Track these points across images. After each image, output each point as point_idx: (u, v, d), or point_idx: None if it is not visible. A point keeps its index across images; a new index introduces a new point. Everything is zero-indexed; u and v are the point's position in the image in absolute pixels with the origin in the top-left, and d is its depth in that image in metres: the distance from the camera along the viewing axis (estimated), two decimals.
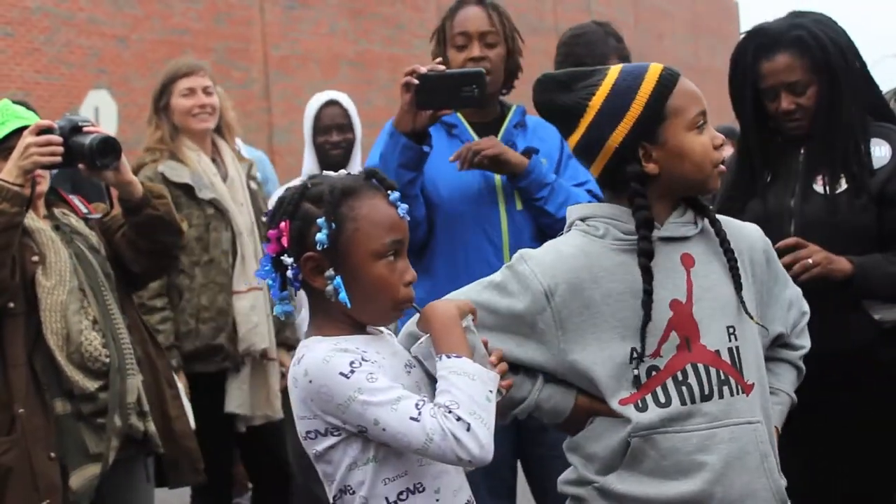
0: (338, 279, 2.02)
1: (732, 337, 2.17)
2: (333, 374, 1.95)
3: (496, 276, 2.23)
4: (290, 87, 14.88)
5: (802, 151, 3.02)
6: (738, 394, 2.15)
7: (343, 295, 2.01)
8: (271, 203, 4.38)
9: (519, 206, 3.11)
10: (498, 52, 3.16)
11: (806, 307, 2.40)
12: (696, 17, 30.35)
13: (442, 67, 2.94)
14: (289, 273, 2.04)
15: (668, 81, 2.17)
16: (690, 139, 2.15)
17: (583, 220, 2.23)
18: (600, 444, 2.18)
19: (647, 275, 2.12)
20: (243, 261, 3.92)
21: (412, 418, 1.92)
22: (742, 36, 3.08)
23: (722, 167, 2.18)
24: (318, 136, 4.25)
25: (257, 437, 4.05)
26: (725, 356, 2.15)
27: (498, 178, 3.13)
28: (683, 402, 2.12)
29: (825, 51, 2.95)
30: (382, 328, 2.15)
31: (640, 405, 2.13)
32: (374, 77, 16.93)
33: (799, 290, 2.41)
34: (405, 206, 2.09)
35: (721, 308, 2.17)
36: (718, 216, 2.26)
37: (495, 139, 3.10)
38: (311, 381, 1.97)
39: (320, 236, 2.00)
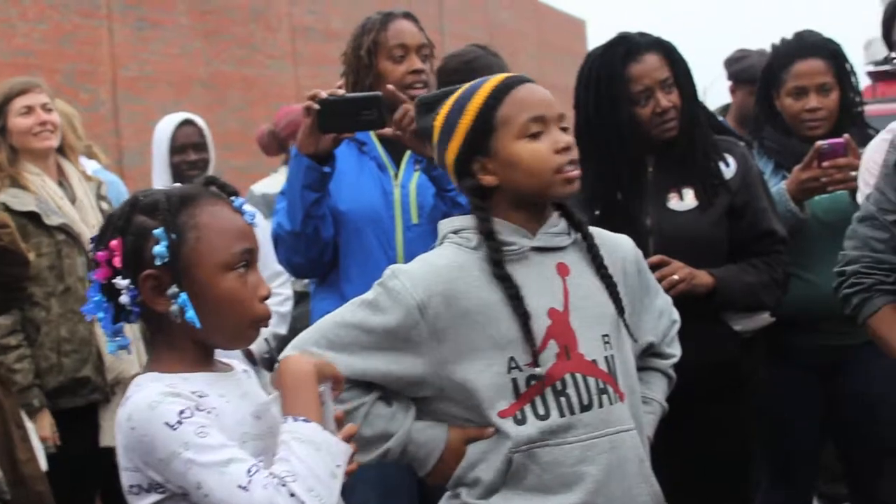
0: (183, 296, 1.81)
1: (608, 346, 2.17)
2: (158, 424, 1.72)
3: (369, 294, 2.16)
4: (140, 108, 14.54)
5: (651, 170, 3.03)
6: (615, 402, 2.15)
7: (190, 314, 1.80)
8: None
9: (415, 220, 3.10)
10: (430, 66, 3.20)
11: (676, 316, 2.41)
12: (544, 34, 30.88)
13: (341, 91, 2.96)
14: (124, 298, 1.81)
15: (498, 93, 2.16)
16: (520, 147, 2.13)
17: (455, 232, 2.21)
18: (482, 468, 2.14)
19: (507, 283, 2.11)
20: None
21: (240, 486, 1.70)
22: (601, 46, 3.08)
23: (572, 172, 2.13)
24: (173, 156, 4.13)
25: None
26: (602, 365, 2.15)
27: (397, 192, 3.11)
28: (562, 415, 2.11)
29: (684, 60, 3.04)
30: (235, 363, 1.95)
31: (520, 417, 2.11)
32: (226, 98, 16.68)
33: (669, 300, 2.42)
34: (252, 211, 1.92)
35: (597, 317, 2.18)
36: (592, 228, 2.27)
37: None
38: (133, 429, 1.75)
39: (159, 249, 1.80)
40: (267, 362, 4.43)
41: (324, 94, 2.91)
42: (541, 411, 2.11)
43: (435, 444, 2.17)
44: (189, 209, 1.84)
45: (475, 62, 3.72)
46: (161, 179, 4.19)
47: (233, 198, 1.91)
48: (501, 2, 28.64)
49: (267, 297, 1.89)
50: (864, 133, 3.30)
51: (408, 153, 3.13)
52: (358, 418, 2.12)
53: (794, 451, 3.34)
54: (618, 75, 3.00)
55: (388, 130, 2.96)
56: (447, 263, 2.15)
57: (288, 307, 4.34)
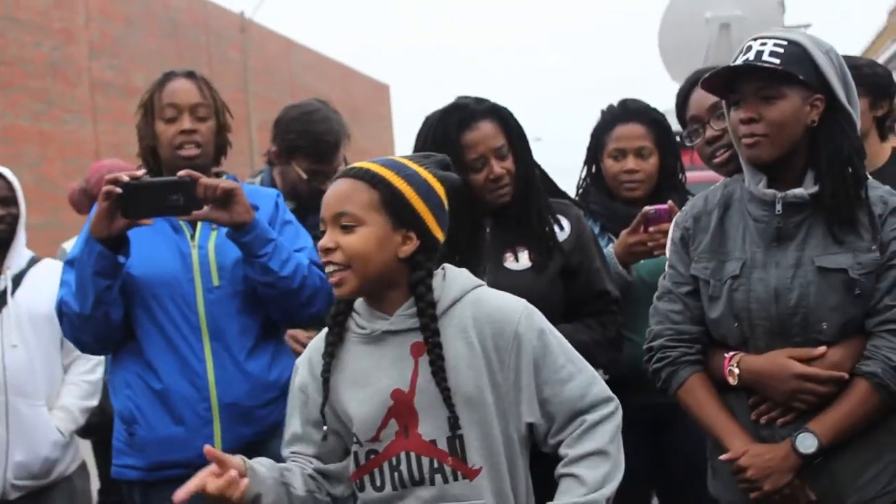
0: None
1: (454, 427, 2.23)
2: None
3: None
4: None
5: (489, 230, 3.08)
6: (454, 480, 2.23)
7: None
8: None
9: (216, 282, 3.02)
10: (209, 125, 3.11)
11: (594, 415, 2.30)
12: (350, 97, 31.11)
13: (141, 174, 2.89)
14: None
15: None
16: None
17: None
18: None
19: (326, 362, 2.29)
20: None
21: None
22: (438, 114, 3.11)
23: (331, 277, 2.25)
24: None
25: None
26: (443, 445, 2.23)
27: (195, 254, 3.04)
28: (395, 488, 2.25)
29: (517, 124, 3.07)
30: None
31: (359, 485, 2.30)
32: (21, 153, 16.10)
33: (584, 390, 2.31)
34: None
35: (449, 394, 2.23)
36: (484, 292, 2.34)
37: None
38: None
39: None
40: (82, 432, 4.24)
41: (125, 178, 2.80)
42: (378, 482, 2.28)
43: None
44: None
45: (315, 114, 3.76)
46: None
47: None
48: (305, 64, 28.75)
49: None
50: (684, 199, 3.43)
51: None
52: None
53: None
54: (452, 142, 3.04)
55: (198, 213, 2.88)
56: (316, 349, 2.36)
57: (99, 373, 4.15)
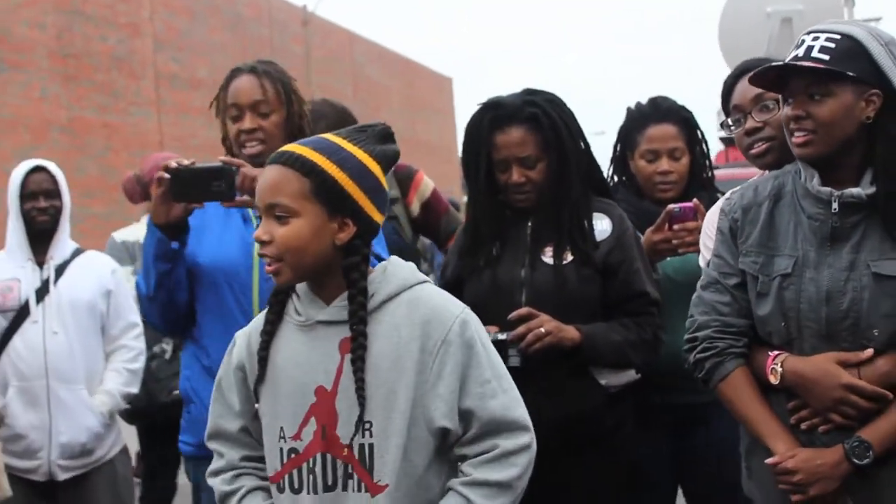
0: None
1: (367, 433, 2.13)
2: None
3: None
4: None
5: (530, 224, 3.10)
6: (357, 492, 2.13)
7: None
8: None
9: None
10: (273, 120, 3.12)
11: (511, 442, 2.15)
12: (412, 90, 31.19)
13: (188, 162, 2.97)
14: None
15: None
16: None
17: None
18: None
19: (264, 340, 2.22)
20: None
21: None
22: (478, 107, 3.15)
23: (267, 267, 2.19)
24: (24, 203, 4.04)
25: None
26: (356, 451, 2.13)
27: (257, 245, 3.08)
28: (309, 492, 2.16)
29: (557, 130, 3.06)
30: None
31: (281, 486, 2.20)
32: (86, 144, 16.37)
33: (507, 411, 2.17)
34: None
35: (368, 400, 2.12)
36: (425, 290, 2.22)
37: None
38: None
39: None
40: (128, 416, 4.35)
41: (174, 165, 2.94)
42: (296, 484, 2.18)
43: None
44: None
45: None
46: (14, 226, 4.08)
47: None
48: (368, 56, 28.87)
49: None
50: (713, 197, 3.41)
51: None
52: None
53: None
54: (482, 139, 3.09)
55: (238, 200, 2.97)
56: (256, 327, 2.29)
57: (140, 363, 4.26)
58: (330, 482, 2.14)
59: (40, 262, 4.06)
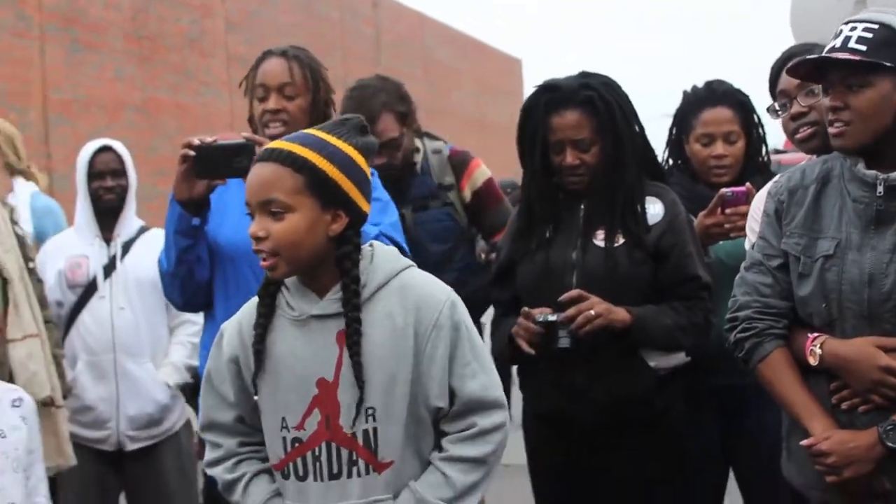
0: None
1: (371, 418, 2.22)
2: None
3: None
4: (71, 132, 14.40)
5: (583, 206, 3.12)
6: (366, 474, 2.23)
7: None
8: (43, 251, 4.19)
9: None
10: (297, 103, 3.18)
11: (487, 421, 2.27)
12: (481, 72, 31.13)
13: (211, 139, 3.01)
14: None
15: None
16: None
17: None
18: None
19: (258, 333, 2.27)
20: (17, 308, 3.76)
21: None
22: (534, 89, 3.17)
23: (262, 262, 2.24)
24: (92, 182, 4.16)
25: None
26: (360, 438, 2.23)
27: None
28: (315, 479, 2.25)
29: (612, 114, 3.08)
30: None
31: (286, 472, 2.28)
32: (159, 124, 16.59)
33: (484, 392, 2.27)
34: None
35: (368, 388, 2.21)
36: (412, 276, 2.31)
37: None
38: None
39: None
40: (187, 390, 4.44)
41: (196, 142, 2.98)
42: (300, 472, 2.26)
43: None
44: None
45: (354, 91, 3.95)
46: (82, 204, 4.20)
47: None
48: (438, 38, 28.85)
49: None
50: (768, 181, 3.41)
51: None
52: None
53: (699, 488, 3.41)
54: (537, 121, 3.11)
55: None
56: (245, 320, 2.34)
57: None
58: (335, 470, 2.23)
59: (108, 240, 4.17)
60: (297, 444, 2.25)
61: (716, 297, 3.15)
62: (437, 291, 2.28)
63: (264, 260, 2.21)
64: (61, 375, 3.87)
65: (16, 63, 13.89)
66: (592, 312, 2.94)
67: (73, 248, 4.16)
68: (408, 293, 2.26)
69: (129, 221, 4.22)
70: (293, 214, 2.19)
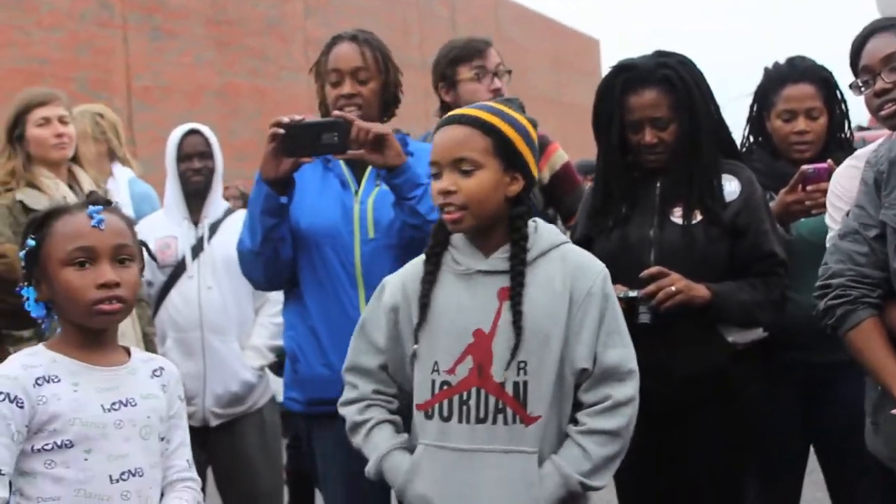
0: (26, 289, 2.25)
1: (522, 371, 2.38)
2: None
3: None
4: (153, 117, 14.66)
5: (659, 184, 3.14)
6: (512, 423, 2.38)
7: (31, 304, 2.24)
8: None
9: (371, 235, 3.17)
10: (371, 87, 3.24)
11: (619, 392, 2.43)
12: (558, 52, 30.95)
13: (301, 117, 3.06)
14: (26, 300, 2.27)
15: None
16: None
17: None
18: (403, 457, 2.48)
19: (426, 288, 2.45)
20: None
21: None
22: (610, 69, 3.20)
23: (446, 215, 2.42)
24: (180, 164, 4.27)
25: None
26: (509, 388, 2.38)
27: (356, 208, 3.19)
28: (460, 421, 2.40)
29: (689, 92, 3.10)
30: (140, 361, 2.29)
31: (429, 413, 2.43)
32: (239, 108, 16.80)
33: (622, 362, 2.45)
34: (101, 216, 2.24)
35: (524, 342, 2.38)
36: (570, 248, 2.49)
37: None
38: None
39: (21, 254, 2.25)
40: (274, 368, 4.53)
41: (286, 120, 3.02)
42: (445, 413, 2.42)
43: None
44: (53, 221, 2.24)
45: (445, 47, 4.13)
46: (171, 187, 4.31)
47: (90, 206, 2.25)
48: (513, 18, 28.74)
49: (109, 283, 2.20)
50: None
51: (369, 169, 3.22)
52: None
53: (779, 464, 3.42)
54: (615, 101, 3.14)
55: (353, 152, 3.05)
56: (411, 275, 2.52)
57: None
58: (482, 415, 2.38)
59: (195, 221, 4.27)
60: (445, 387, 2.41)
61: (797, 274, 3.15)
62: (593, 263, 2.49)
63: (451, 213, 2.40)
64: (152, 352, 3.98)
65: (99, 52, 14.18)
66: (673, 289, 2.97)
67: (162, 229, 4.27)
68: (567, 262, 2.45)
69: (216, 203, 4.32)
70: (482, 172, 2.41)
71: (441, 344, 2.43)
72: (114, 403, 2.21)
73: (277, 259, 3.16)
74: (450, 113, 2.53)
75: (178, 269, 4.23)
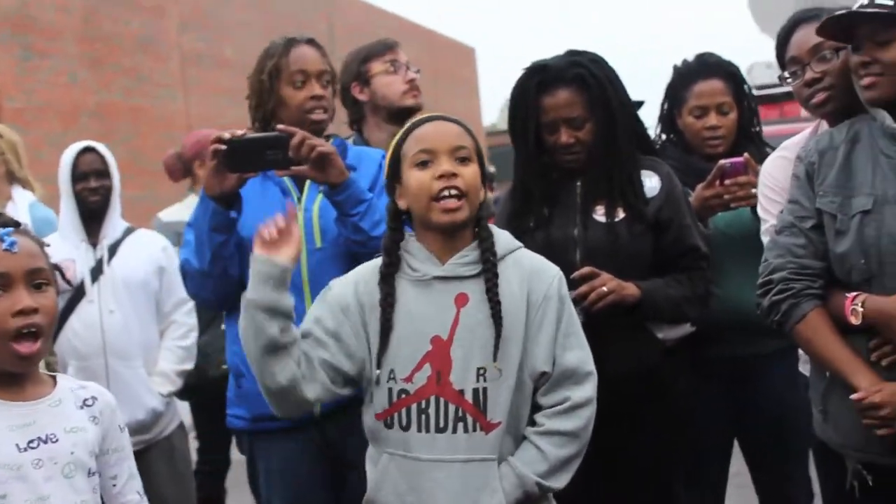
0: None
1: (482, 378, 2.35)
2: None
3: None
4: (27, 139, 14.22)
5: (579, 184, 3.12)
6: (473, 431, 2.35)
7: None
8: None
9: (318, 244, 3.10)
10: (330, 91, 3.21)
11: (577, 394, 2.42)
12: (436, 62, 31.09)
13: (242, 132, 3.00)
14: None
15: (408, 128, 2.48)
16: (409, 175, 2.42)
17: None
18: (373, 466, 2.43)
19: (386, 299, 2.38)
20: None
21: None
22: (523, 71, 3.16)
23: (448, 202, 2.37)
24: (76, 184, 4.09)
25: None
26: (469, 396, 2.36)
27: (300, 216, 3.10)
28: (419, 430, 2.36)
29: (603, 89, 3.09)
30: (60, 392, 2.15)
31: (389, 422, 2.39)
32: (115, 128, 16.41)
33: (581, 364, 2.45)
34: (12, 239, 2.11)
35: (480, 349, 2.36)
36: (524, 252, 2.48)
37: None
38: None
39: None
40: (181, 394, 4.38)
41: (227, 136, 2.95)
42: (404, 422, 2.38)
43: None
44: None
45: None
46: (66, 208, 4.13)
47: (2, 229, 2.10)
48: (390, 30, 28.78)
49: (25, 310, 2.08)
50: (761, 151, 3.42)
51: None
52: None
53: (705, 457, 3.42)
54: (529, 103, 3.11)
55: (296, 168, 2.98)
56: (364, 276, 2.47)
57: (192, 339, 4.30)
58: (441, 424, 2.35)
59: (93, 243, 4.11)
60: (403, 395, 2.37)
61: (718, 268, 3.16)
62: (547, 266, 2.48)
63: (451, 200, 2.37)
64: None
65: None
66: (605, 289, 2.95)
67: (58, 252, 4.04)
68: (523, 266, 2.44)
69: (115, 223, 4.16)
70: (474, 164, 2.43)
71: (397, 352, 2.38)
72: (31, 441, 2.06)
73: (227, 277, 3.07)
74: (428, 115, 2.51)
75: (77, 294, 4.05)
